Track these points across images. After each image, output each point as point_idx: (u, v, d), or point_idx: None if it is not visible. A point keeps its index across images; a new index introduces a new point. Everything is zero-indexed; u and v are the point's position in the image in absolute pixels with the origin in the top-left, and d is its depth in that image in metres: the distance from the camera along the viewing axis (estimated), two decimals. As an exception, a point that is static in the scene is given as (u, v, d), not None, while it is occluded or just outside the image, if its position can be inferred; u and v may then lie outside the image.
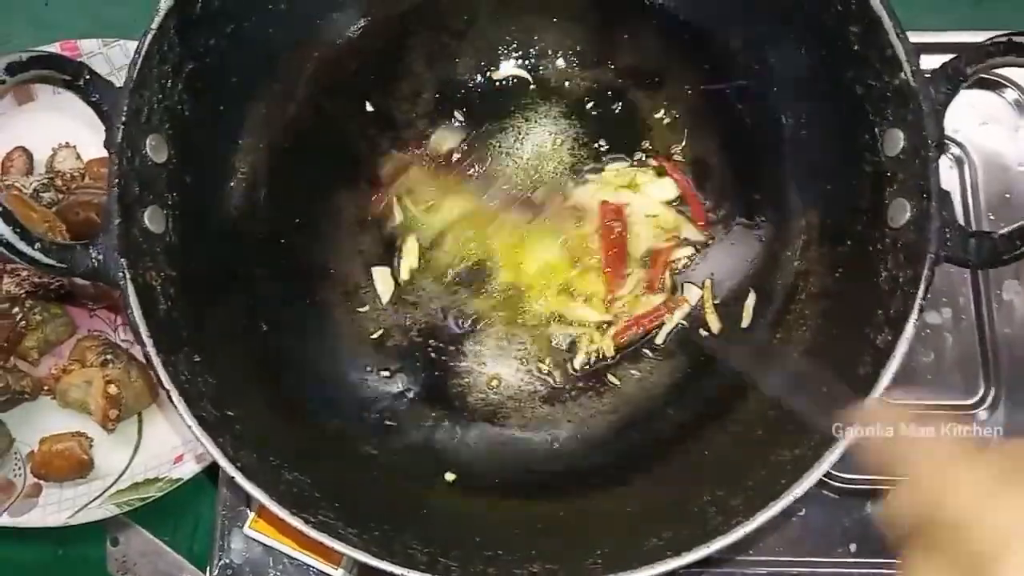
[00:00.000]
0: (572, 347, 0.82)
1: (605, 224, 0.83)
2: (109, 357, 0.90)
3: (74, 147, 0.98)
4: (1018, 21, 0.93)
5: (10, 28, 1.06)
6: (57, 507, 0.86)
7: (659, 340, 0.82)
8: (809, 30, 0.73)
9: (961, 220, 0.87)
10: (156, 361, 0.62)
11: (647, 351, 0.82)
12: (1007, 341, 0.84)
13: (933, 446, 0.49)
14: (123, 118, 0.63)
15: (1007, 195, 0.89)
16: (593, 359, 0.82)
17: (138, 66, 0.65)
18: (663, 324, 0.82)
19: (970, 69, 0.62)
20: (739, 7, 0.79)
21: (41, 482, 0.88)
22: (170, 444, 0.89)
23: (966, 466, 0.47)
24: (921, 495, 0.48)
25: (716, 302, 0.82)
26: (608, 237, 0.83)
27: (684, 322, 0.82)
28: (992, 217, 0.88)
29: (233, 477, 0.61)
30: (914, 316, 0.61)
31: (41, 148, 0.98)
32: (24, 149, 0.98)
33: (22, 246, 0.59)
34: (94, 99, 0.64)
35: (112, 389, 0.88)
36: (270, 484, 0.62)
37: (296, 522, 0.61)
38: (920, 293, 0.61)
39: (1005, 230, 0.60)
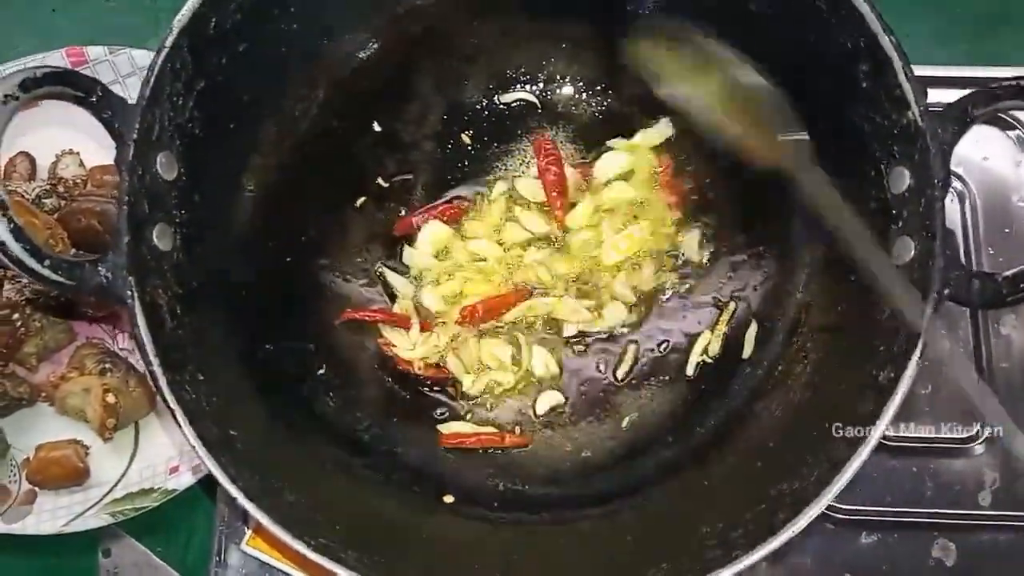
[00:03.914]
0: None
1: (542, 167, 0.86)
2: (108, 366, 0.90)
3: (77, 154, 0.97)
4: (1014, 59, 0.94)
5: (16, 35, 1.06)
6: (51, 515, 0.85)
7: (689, 371, 0.82)
8: (817, 66, 0.73)
9: (961, 254, 0.87)
10: (161, 380, 0.62)
11: (651, 379, 0.82)
12: (1004, 375, 0.85)
13: None
14: (135, 135, 0.63)
15: (1007, 230, 0.90)
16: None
17: (151, 84, 0.64)
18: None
19: (978, 111, 0.62)
20: (746, 41, 0.79)
21: (36, 489, 0.88)
22: (166, 455, 0.89)
23: None
24: None
25: (725, 331, 0.82)
26: (547, 178, 0.85)
27: (708, 358, 0.82)
28: (991, 251, 0.89)
29: (235, 497, 0.61)
30: (917, 354, 0.61)
31: (44, 154, 0.98)
32: (27, 155, 0.98)
33: (31, 262, 0.58)
34: (106, 116, 0.63)
35: (110, 398, 0.87)
36: (271, 505, 0.62)
37: (297, 544, 0.61)
38: (923, 332, 0.61)
39: (1009, 272, 0.60)
